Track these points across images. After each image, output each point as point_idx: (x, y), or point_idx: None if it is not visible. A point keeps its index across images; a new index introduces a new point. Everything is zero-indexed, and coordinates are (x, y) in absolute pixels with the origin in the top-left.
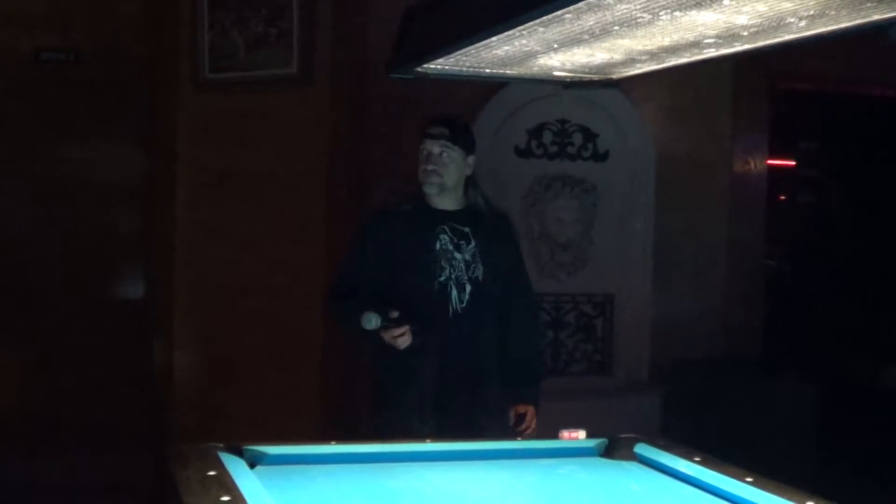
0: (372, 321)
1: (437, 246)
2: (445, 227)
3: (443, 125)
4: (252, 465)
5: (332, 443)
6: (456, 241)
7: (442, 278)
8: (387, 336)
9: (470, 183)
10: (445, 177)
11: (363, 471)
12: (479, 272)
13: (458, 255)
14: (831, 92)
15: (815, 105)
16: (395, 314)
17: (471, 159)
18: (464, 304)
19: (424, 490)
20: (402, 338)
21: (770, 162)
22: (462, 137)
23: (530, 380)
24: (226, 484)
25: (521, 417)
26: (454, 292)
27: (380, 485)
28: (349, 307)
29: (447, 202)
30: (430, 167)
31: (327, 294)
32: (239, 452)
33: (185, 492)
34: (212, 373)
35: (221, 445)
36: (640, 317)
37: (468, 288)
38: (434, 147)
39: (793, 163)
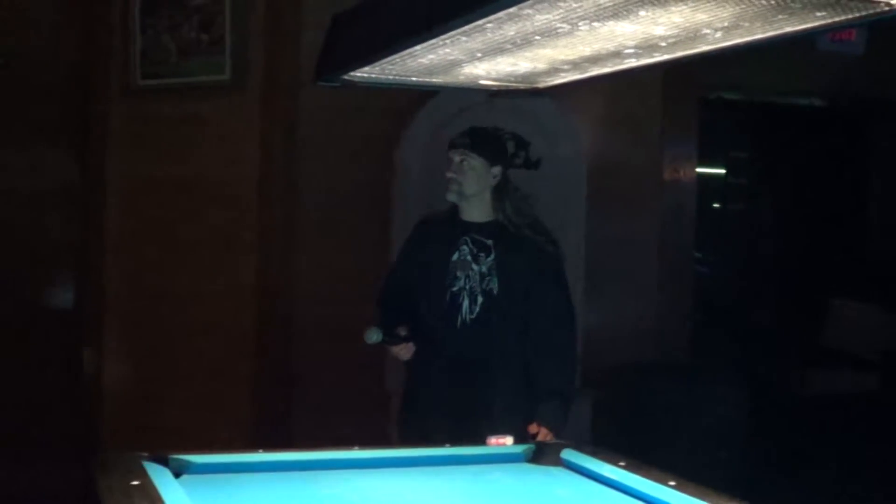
0: (372, 336)
1: (456, 256)
2: (468, 238)
3: (466, 134)
4: (177, 475)
5: (260, 451)
6: (476, 252)
7: (455, 288)
8: (391, 349)
9: (499, 194)
10: (464, 185)
11: (291, 479)
12: (494, 285)
13: (475, 267)
14: (760, 101)
15: (744, 114)
16: (401, 331)
17: (496, 170)
18: (473, 316)
19: (352, 497)
20: (403, 352)
21: (700, 170)
22: (484, 147)
23: (547, 399)
24: (149, 494)
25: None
26: (465, 303)
27: (308, 493)
28: (380, 315)
29: (474, 213)
30: (448, 175)
31: (376, 297)
32: (164, 462)
33: (108, 502)
34: (142, 381)
35: (147, 454)
36: None
37: (480, 300)
38: (455, 155)
39: (723, 171)
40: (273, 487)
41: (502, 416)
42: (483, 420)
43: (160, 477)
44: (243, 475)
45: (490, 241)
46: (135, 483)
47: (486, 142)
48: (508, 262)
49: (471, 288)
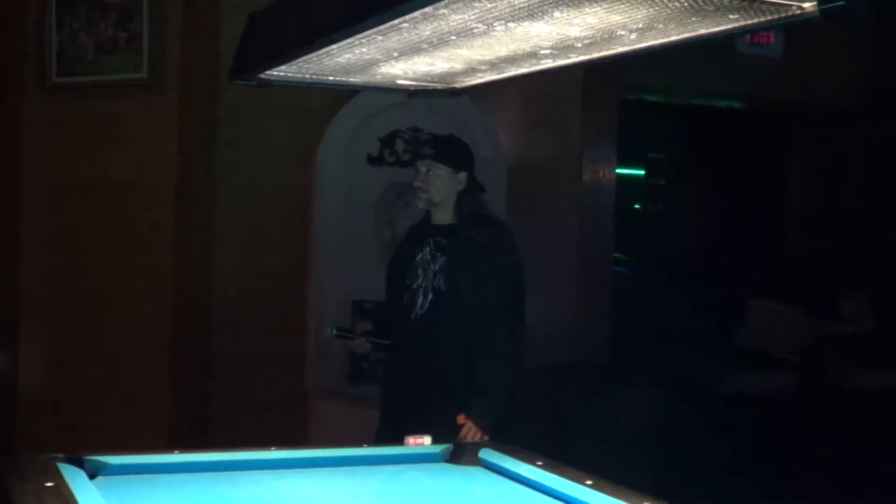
0: (327, 332)
1: (420, 255)
2: (431, 240)
3: (431, 145)
4: (92, 476)
5: (176, 452)
6: (435, 252)
7: (414, 285)
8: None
9: (463, 198)
10: (431, 193)
11: (207, 480)
12: (441, 282)
13: (431, 266)
14: (678, 103)
15: (664, 116)
16: (356, 328)
17: (462, 175)
18: (423, 311)
19: (268, 498)
20: (357, 347)
21: (619, 171)
22: (448, 155)
23: (478, 394)
24: (63, 495)
25: (461, 427)
26: (420, 299)
27: (224, 494)
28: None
29: (441, 217)
30: (416, 184)
31: None
32: (79, 463)
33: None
34: (58, 382)
35: (61, 456)
36: None
37: (430, 296)
38: (421, 165)
39: (642, 172)
40: (189, 488)
41: (439, 409)
42: (423, 411)
43: (75, 478)
44: (159, 476)
45: (446, 241)
46: (49, 485)
47: (449, 151)
48: (456, 261)
49: (425, 285)
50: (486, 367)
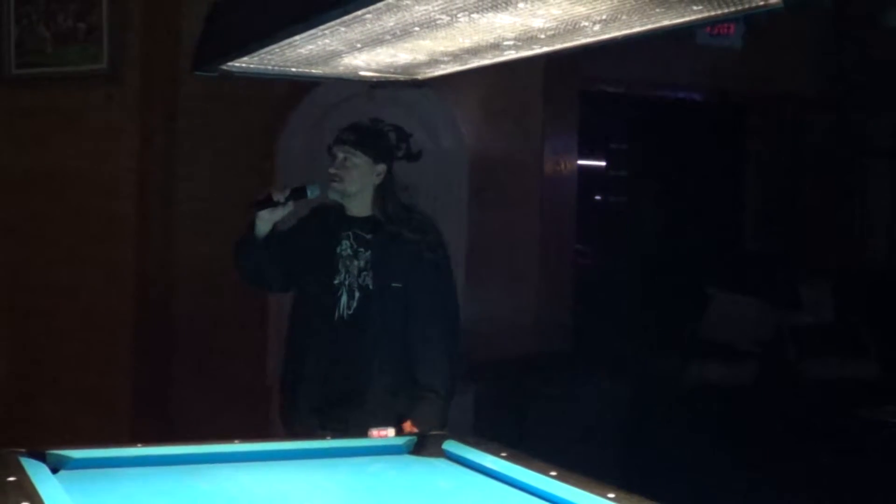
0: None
1: (338, 250)
2: (349, 233)
3: (351, 130)
4: (55, 470)
5: (139, 445)
6: (356, 247)
7: (336, 282)
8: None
9: (382, 191)
10: (347, 182)
11: (171, 473)
12: (370, 281)
13: (355, 262)
14: (639, 94)
15: (624, 107)
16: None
17: (380, 167)
18: (350, 311)
19: (232, 491)
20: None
21: (580, 162)
22: (369, 144)
23: (423, 397)
24: (25, 489)
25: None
26: (344, 297)
27: (188, 487)
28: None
29: (358, 208)
30: (331, 171)
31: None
32: (42, 457)
33: None
34: (19, 375)
35: (23, 450)
36: None
37: (357, 295)
38: (338, 152)
39: (603, 163)
40: (153, 482)
41: (377, 413)
42: (359, 416)
43: (37, 472)
44: (122, 470)
45: (370, 236)
46: (11, 479)
47: (371, 139)
48: (385, 258)
49: (349, 283)
50: (429, 369)
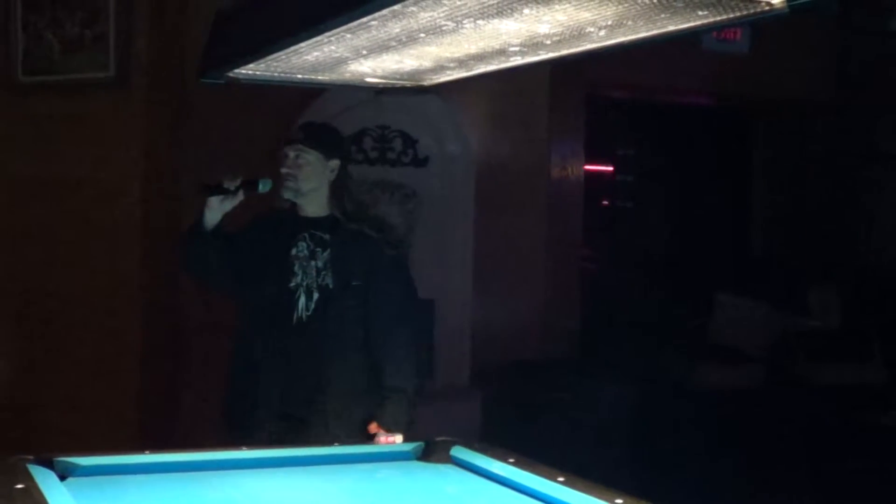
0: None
1: (294, 252)
2: (306, 234)
3: (301, 129)
4: (63, 478)
5: (146, 452)
6: (313, 247)
7: (292, 284)
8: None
9: (338, 189)
10: (300, 180)
11: (178, 480)
12: (329, 280)
13: (312, 263)
14: (645, 100)
15: (631, 112)
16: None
17: (333, 163)
18: (309, 313)
19: (239, 498)
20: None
21: (587, 167)
22: (320, 141)
23: (387, 399)
24: (34, 497)
25: (372, 437)
26: (302, 299)
27: (195, 493)
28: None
29: (312, 208)
30: (283, 170)
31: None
32: (49, 464)
33: None
34: (26, 383)
35: (31, 457)
36: (460, 321)
37: (315, 296)
38: (289, 151)
39: (610, 168)
40: (160, 489)
41: (339, 415)
42: (322, 418)
43: (45, 480)
44: (130, 477)
45: (327, 236)
46: (19, 486)
47: (320, 136)
48: (344, 258)
49: (307, 284)
50: (391, 370)
